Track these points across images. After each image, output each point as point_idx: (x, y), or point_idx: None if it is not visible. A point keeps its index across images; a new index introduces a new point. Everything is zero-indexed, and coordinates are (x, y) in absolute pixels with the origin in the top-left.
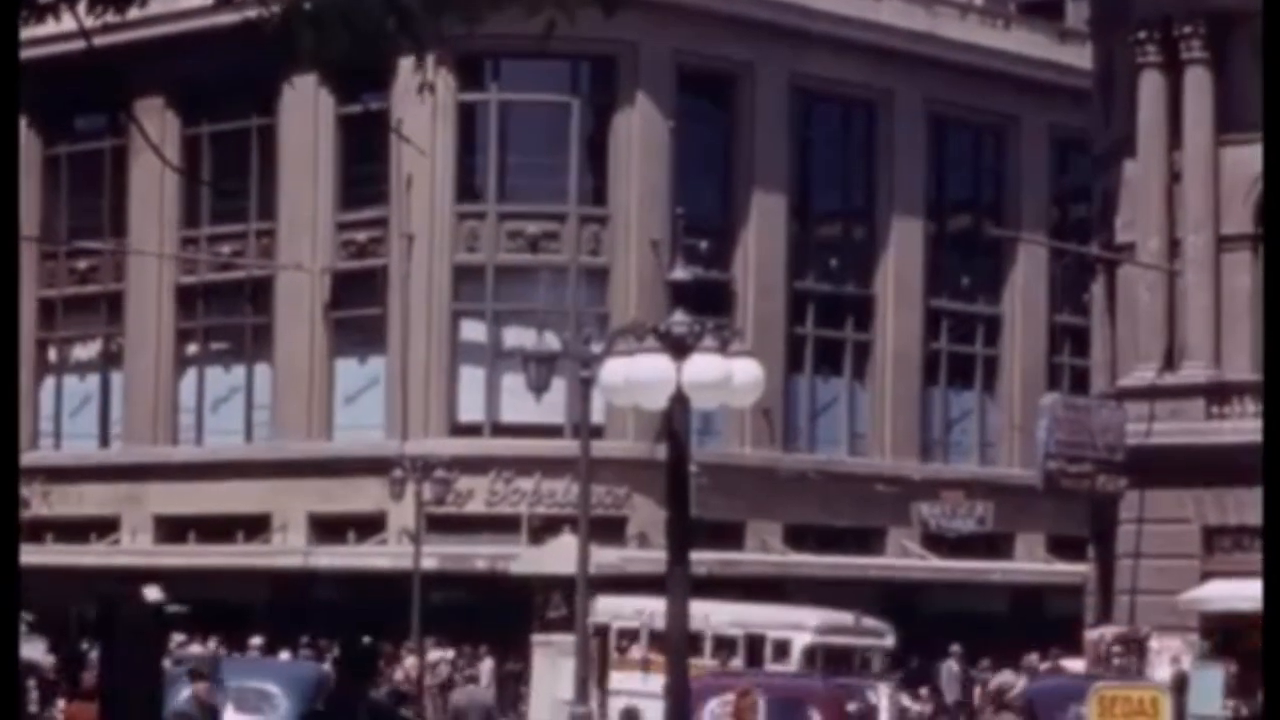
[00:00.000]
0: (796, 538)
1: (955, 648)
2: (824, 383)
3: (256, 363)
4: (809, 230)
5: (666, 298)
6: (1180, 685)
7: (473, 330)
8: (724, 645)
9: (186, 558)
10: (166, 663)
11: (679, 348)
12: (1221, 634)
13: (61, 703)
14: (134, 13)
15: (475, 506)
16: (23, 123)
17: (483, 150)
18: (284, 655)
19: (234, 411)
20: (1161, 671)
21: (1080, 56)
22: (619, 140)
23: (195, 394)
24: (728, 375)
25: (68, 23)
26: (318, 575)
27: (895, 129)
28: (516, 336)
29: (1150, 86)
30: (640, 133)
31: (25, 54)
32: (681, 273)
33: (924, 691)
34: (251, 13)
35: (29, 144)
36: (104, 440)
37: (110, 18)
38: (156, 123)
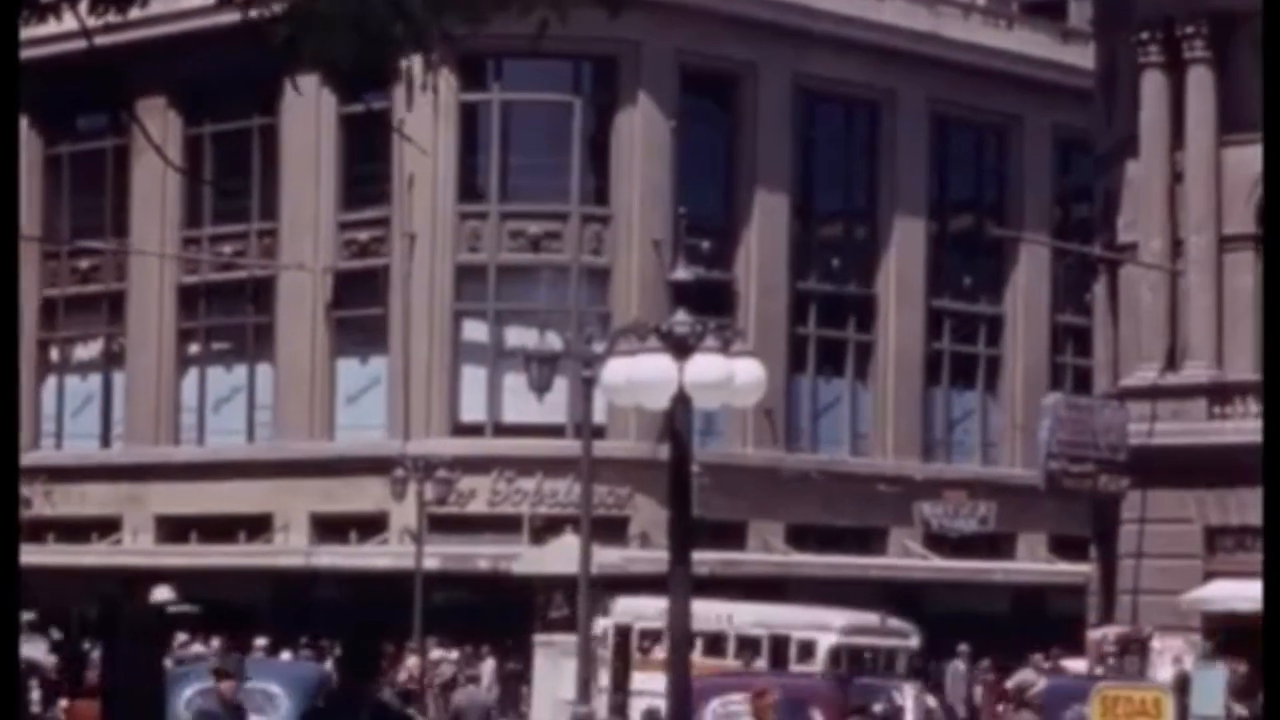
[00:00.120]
0: (798, 538)
1: (963, 647)
2: (826, 383)
3: (258, 362)
4: (811, 230)
5: (668, 297)
6: (1182, 686)
7: (474, 330)
8: (747, 646)
9: (188, 558)
10: (168, 662)
11: (681, 348)
12: (1224, 634)
13: (64, 702)
14: (135, 12)
15: (477, 506)
16: (24, 122)
17: (485, 150)
18: (285, 655)
19: (236, 411)
20: (1164, 672)
21: (1083, 56)
22: (621, 140)
23: (197, 394)
24: (730, 375)
25: (69, 22)
26: (319, 575)
27: (898, 129)
28: (518, 336)
29: (1152, 86)
30: (642, 132)
31: (26, 53)
32: (683, 272)
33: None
34: (253, 13)
35: (30, 144)
36: (105, 440)
37: (111, 17)
38: (158, 122)
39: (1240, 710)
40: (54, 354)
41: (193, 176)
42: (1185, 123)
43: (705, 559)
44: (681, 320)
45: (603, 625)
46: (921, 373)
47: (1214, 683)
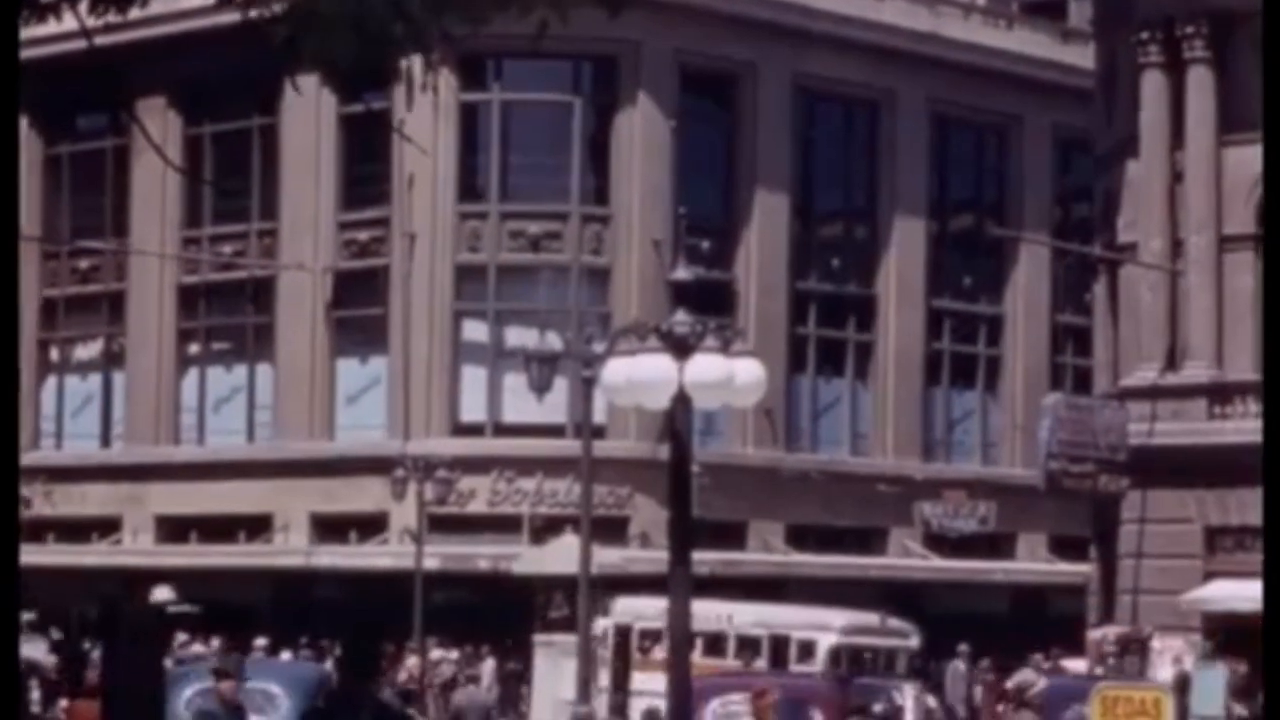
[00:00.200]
0: (798, 538)
1: (963, 647)
2: (826, 383)
3: (258, 362)
4: (811, 230)
5: (668, 297)
6: (1183, 686)
7: (474, 330)
8: (747, 646)
9: (188, 558)
10: (168, 662)
11: (681, 347)
12: (1224, 634)
13: (64, 702)
14: (135, 12)
15: (477, 506)
16: (24, 122)
17: (484, 150)
18: (285, 656)
19: (235, 411)
20: (1164, 672)
21: (1083, 56)
22: (621, 140)
23: (197, 394)
24: (730, 375)
25: (69, 22)
26: (319, 575)
27: (898, 129)
28: (518, 336)
29: (1152, 86)
30: (642, 132)
31: (26, 53)
32: (683, 272)
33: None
34: (254, 13)
35: (30, 143)
36: (105, 440)
37: (111, 17)
38: (158, 122)
39: (1240, 710)
40: (54, 354)
41: (193, 176)
42: (1185, 123)
43: (705, 559)
44: (681, 320)
45: (603, 625)
46: (921, 373)
47: (1214, 683)
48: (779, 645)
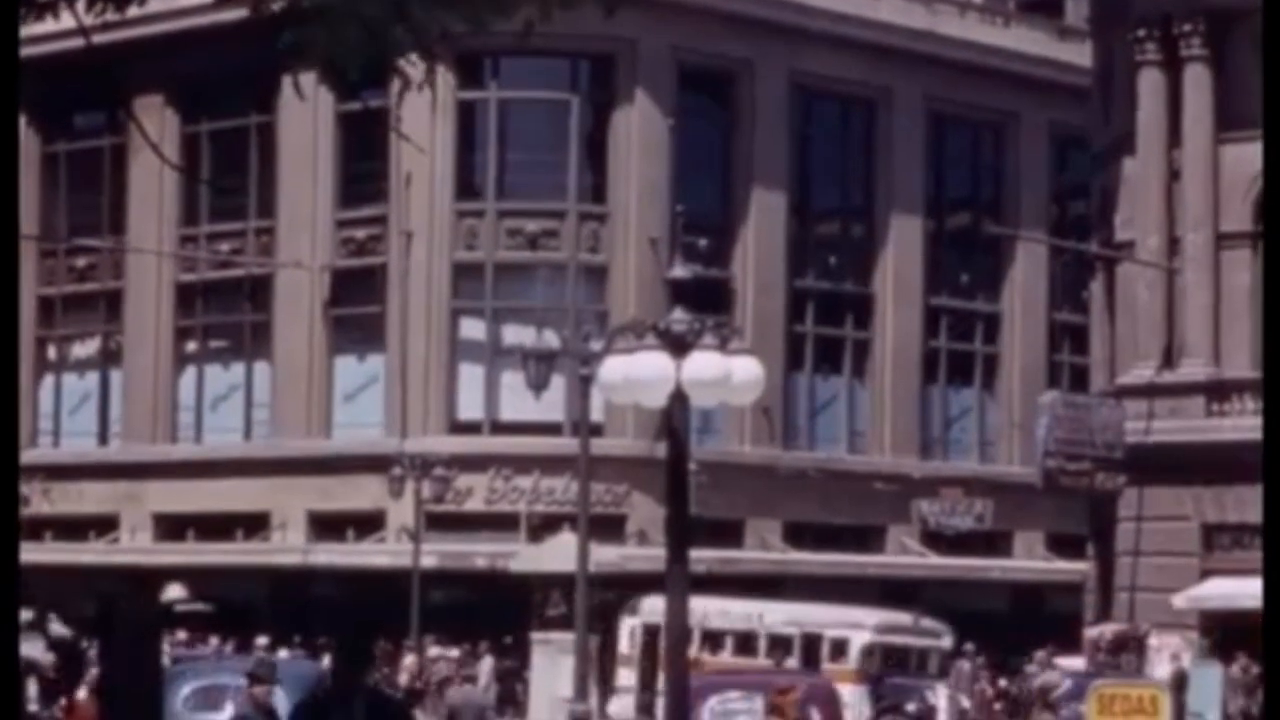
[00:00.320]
0: (796, 535)
1: (968, 647)
2: (823, 380)
3: (256, 360)
4: (808, 228)
5: (666, 295)
6: (1180, 683)
7: (472, 328)
8: (779, 644)
9: (186, 556)
10: (166, 661)
11: (678, 345)
12: (1221, 632)
13: (63, 700)
14: (133, 10)
15: (474, 504)
16: (22, 120)
17: (482, 148)
18: (283, 654)
19: (233, 409)
20: (1161, 669)
21: (1080, 54)
22: (618, 138)
23: (194, 392)
24: (727, 373)
25: (67, 20)
26: (317, 573)
27: (894, 126)
28: (516, 334)
29: (1149, 84)
30: (639, 130)
31: (24, 52)
32: (681, 270)
33: None
34: (251, 11)
35: (28, 142)
36: (103, 438)
37: (109, 15)
38: (155, 120)
39: (1242, 705)
40: (51, 352)
41: (190, 174)
42: (1182, 120)
43: (703, 557)
44: (679, 318)
45: (630, 624)
46: (919, 370)
47: (1211, 680)
48: (811, 644)
